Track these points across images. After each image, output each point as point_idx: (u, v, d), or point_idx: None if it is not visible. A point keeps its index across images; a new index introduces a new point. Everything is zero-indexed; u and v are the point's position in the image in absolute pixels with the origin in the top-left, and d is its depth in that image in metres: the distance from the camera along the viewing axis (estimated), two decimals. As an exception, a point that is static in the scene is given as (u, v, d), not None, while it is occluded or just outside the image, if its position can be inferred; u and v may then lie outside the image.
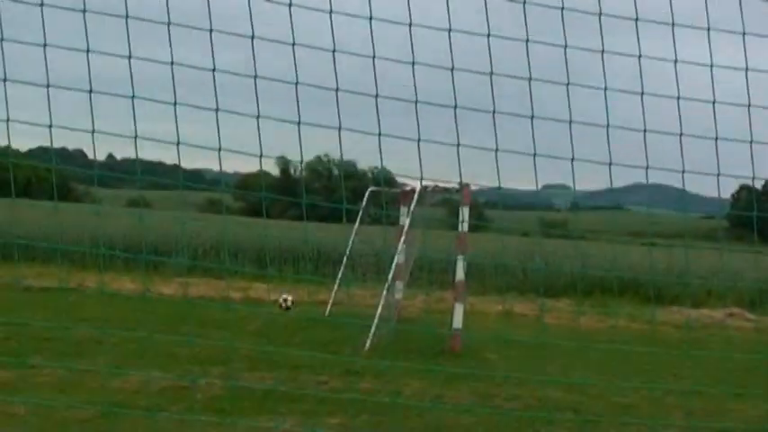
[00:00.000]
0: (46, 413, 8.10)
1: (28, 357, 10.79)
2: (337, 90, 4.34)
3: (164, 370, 10.70)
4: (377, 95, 4.33)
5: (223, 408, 8.82)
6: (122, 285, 20.28)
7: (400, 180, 19.10)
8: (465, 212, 13.95)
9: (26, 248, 23.78)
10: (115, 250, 24.39)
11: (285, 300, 16.62)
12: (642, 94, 4.43)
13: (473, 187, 13.58)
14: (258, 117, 4.44)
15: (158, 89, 4.81)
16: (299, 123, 4.44)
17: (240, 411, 8.83)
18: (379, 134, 4.46)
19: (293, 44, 4.31)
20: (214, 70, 4.39)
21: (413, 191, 15.50)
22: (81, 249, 22.25)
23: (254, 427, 8.06)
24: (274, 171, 76.02)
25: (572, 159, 4.49)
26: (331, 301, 17.72)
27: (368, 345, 13.14)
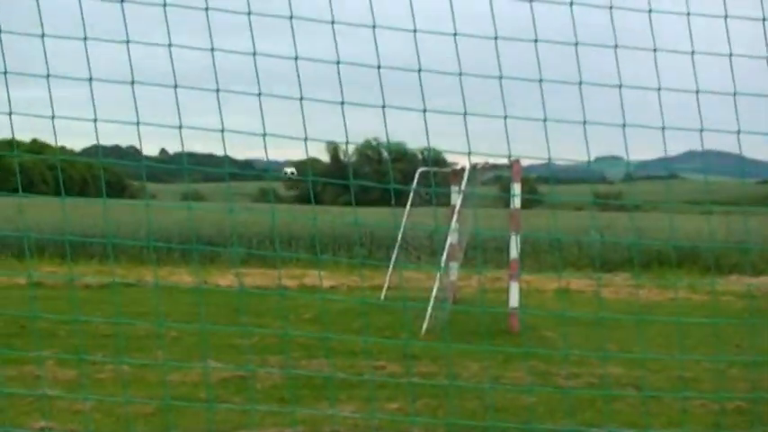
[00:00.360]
0: (109, 409, 8.17)
1: (90, 354, 10.91)
2: (379, 67, 4.26)
3: (223, 361, 10.76)
4: (420, 70, 4.24)
5: (282, 396, 8.83)
6: (180, 278, 20.46)
7: (450, 159, 19.04)
8: (516, 188, 13.81)
9: (83, 246, 24.14)
10: (171, 243, 24.65)
11: (285, 173, 16.80)
12: (693, 53, 4.27)
13: (524, 162, 13.44)
14: (301, 99, 4.38)
15: (202, 80, 4.78)
16: (342, 103, 4.36)
17: (300, 399, 8.84)
18: (424, 110, 4.37)
19: (332, 22, 4.24)
20: (255, 54, 4.34)
21: (463, 170, 15.38)
22: (131, 244, 22.50)
23: (313, 415, 8.05)
24: (325, 158, 76.36)
25: (623, 125, 4.35)
26: (386, 286, 17.69)
27: (424, 328, 13.08)
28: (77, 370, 9.88)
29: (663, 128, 4.41)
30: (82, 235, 24.67)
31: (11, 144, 6.89)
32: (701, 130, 4.44)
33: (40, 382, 9.31)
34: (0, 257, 23.46)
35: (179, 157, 5.29)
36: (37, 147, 55.67)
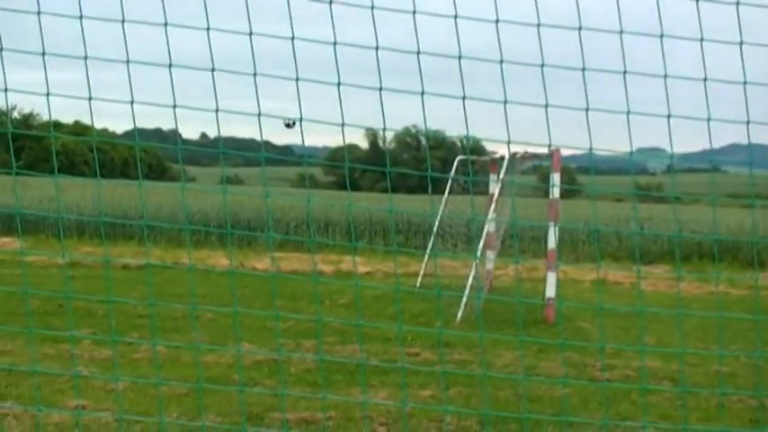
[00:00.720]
0: (143, 389, 8.22)
1: (126, 334, 11.00)
2: (419, 53, 4.20)
3: (257, 344, 10.81)
4: (460, 56, 4.18)
5: (315, 381, 8.84)
6: (217, 261, 20.59)
7: (490, 148, 18.94)
8: (556, 178, 13.69)
9: (123, 227, 24.38)
10: (209, 227, 24.81)
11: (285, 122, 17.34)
12: (741, 43, 4.17)
13: (564, 152, 13.32)
14: (339, 84, 4.34)
15: (243, 65, 4.75)
16: (380, 89, 4.32)
17: (332, 384, 8.84)
18: (464, 97, 4.31)
19: (372, 7, 4.19)
20: (293, 38, 4.31)
21: (502, 158, 15.28)
22: (164, 226, 22.65)
23: (346, 401, 8.04)
24: (364, 144, 76.52)
25: (668, 116, 4.26)
26: (422, 273, 17.66)
27: (459, 316, 13.04)
28: (113, 350, 9.97)
29: (708, 119, 4.31)
30: (123, 216, 25.00)
31: (52, 125, 6.95)
32: (748, 123, 4.34)
33: (76, 360, 9.40)
34: (40, 237, 23.75)
35: (219, 141, 5.26)
36: (79, 129, 56.29)
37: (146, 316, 12.15)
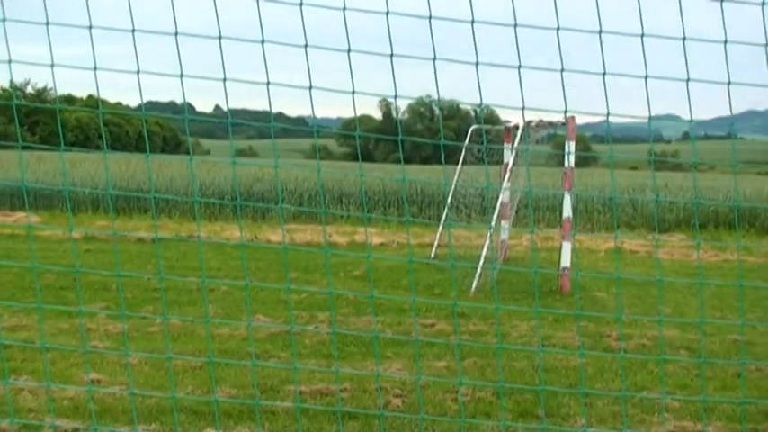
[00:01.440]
0: (158, 362, 8.21)
1: (141, 307, 11.00)
2: (430, 18, 4.10)
3: (272, 316, 10.79)
4: (473, 21, 4.08)
5: (330, 353, 8.81)
6: (232, 234, 20.58)
7: (504, 117, 18.82)
8: (571, 146, 13.56)
9: (138, 200, 24.41)
10: (223, 199, 24.81)
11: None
12: (763, 4, 4.05)
13: (579, 121, 13.19)
14: (349, 51, 4.24)
15: (255, 35, 4.65)
16: (391, 56, 4.22)
17: (347, 356, 8.80)
18: (476, 63, 4.21)
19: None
20: (301, 5, 4.21)
21: (516, 127, 15.14)
22: (172, 198, 22.66)
23: (360, 373, 8.01)
24: (377, 115, 76.40)
25: (687, 80, 4.15)
26: (436, 243, 17.60)
27: (474, 286, 12.98)
28: (128, 322, 9.97)
29: (729, 83, 4.19)
30: (137, 190, 25.03)
31: (67, 100, 6.89)
32: (768, 87, 4.22)
33: (90, 334, 9.40)
34: (55, 211, 23.80)
35: (232, 113, 5.18)
36: (92, 102, 56.35)
37: (160, 289, 12.15)
